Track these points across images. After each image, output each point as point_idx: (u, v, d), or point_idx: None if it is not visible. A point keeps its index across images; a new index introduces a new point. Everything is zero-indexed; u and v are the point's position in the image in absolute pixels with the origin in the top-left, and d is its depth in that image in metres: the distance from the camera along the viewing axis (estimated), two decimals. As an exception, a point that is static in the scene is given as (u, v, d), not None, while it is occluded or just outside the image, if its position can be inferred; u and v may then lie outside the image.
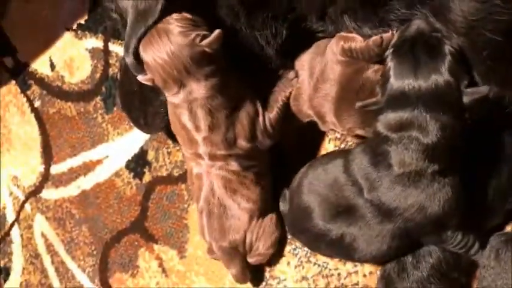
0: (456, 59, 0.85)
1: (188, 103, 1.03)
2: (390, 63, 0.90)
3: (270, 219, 1.16)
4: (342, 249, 1.02)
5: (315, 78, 1.06)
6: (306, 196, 1.05)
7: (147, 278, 1.44)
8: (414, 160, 0.87)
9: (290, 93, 1.08)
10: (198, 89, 1.01)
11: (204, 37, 0.97)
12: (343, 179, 0.99)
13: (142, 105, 1.21)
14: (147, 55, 1.00)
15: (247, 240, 1.15)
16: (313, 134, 1.19)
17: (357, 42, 0.98)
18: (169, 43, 0.97)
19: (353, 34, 0.99)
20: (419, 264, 0.98)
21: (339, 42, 1.01)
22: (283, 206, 1.16)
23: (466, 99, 0.85)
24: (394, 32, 0.93)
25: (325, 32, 1.05)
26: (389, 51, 0.91)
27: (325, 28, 1.04)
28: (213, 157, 1.07)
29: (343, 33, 1.01)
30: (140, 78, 1.04)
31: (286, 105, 1.09)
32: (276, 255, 1.22)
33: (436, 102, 0.85)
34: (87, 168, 1.54)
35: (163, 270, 1.40)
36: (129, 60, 1.03)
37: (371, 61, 0.99)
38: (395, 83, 0.88)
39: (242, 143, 1.07)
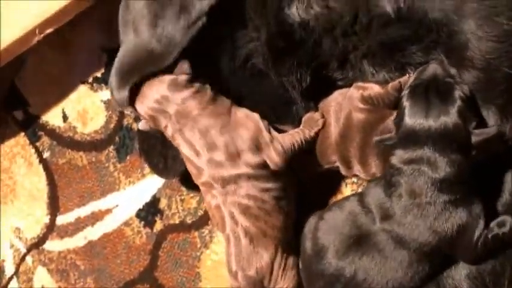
0: (466, 103, 0.91)
1: (179, 132, 1.06)
2: (405, 103, 0.95)
3: (294, 258, 1.12)
4: None
5: (341, 124, 1.08)
6: (322, 235, 1.05)
7: (155, 332, 1.37)
8: (424, 191, 0.92)
9: (316, 133, 1.10)
10: (178, 109, 1.05)
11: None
12: (357, 209, 1.02)
13: (164, 149, 1.21)
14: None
15: (274, 272, 1.10)
16: (331, 180, 1.20)
17: (375, 89, 1.03)
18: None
19: (370, 83, 1.04)
20: (445, 300, 0.97)
21: (358, 91, 1.05)
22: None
23: (474, 139, 0.90)
24: (411, 74, 0.98)
25: (344, 80, 1.09)
26: (405, 92, 0.96)
27: (344, 76, 1.08)
28: (223, 181, 1.06)
29: (360, 83, 1.06)
30: (141, 125, 1.10)
31: (308, 143, 1.09)
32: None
33: (444, 141, 0.90)
34: (95, 217, 1.50)
35: (173, 323, 1.34)
36: (124, 94, 1.04)
37: (391, 106, 1.02)
38: (409, 121, 0.93)
39: (248, 155, 1.05)
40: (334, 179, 1.19)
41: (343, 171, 1.12)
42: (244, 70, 1.05)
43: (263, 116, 1.08)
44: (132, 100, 1.08)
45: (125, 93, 1.05)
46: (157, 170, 1.25)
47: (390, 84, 1.01)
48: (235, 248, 1.10)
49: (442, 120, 0.90)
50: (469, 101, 0.92)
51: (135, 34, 1.05)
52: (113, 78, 1.09)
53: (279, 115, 1.10)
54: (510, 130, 0.89)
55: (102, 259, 1.47)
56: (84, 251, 1.50)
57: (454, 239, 0.94)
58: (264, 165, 1.07)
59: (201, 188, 1.13)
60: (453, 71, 0.91)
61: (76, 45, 1.61)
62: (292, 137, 1.07)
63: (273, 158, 1.06)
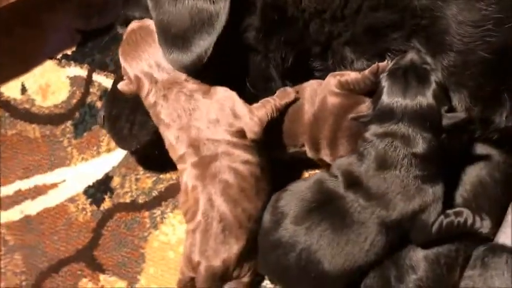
0: (440, 87, 0.97)
1: (163, 97, 1.05)
2: (384, 83, 0.99)
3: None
4: (310, 265, 0.98)
5: (315, 106, 1.11)
6: (283, 203, 1.03)
7: (82, 314, 1.25)
8: (394, 163, 0.95)
9: (286, 103, 1.10)
10: (168, 78, 1.05)
11: None
12: (325, 177, 1.03)
13: (132, 114, 1.18)
14: (126, 55, 1.08)
15: (239, 264, 1.04)
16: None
17: (351, 75, 1.08)
18: (146, 48, 1.07)
19: (346, 71, 1.10)
20: (403, 278, 0.96)
21: (335, 78, 1.10)
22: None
23: (445, 122, 0.95)
24: (389, 61, 1.04)
25: (322, 71, 1.14)
26: (384, 74, 1.01)
27: (324, 66, 1.13)
28: (202, 147, 1.03)
29: (337, 72, 1.11)
30: (121, 85, 1.09)
31: (278, 112, 1.09)
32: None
33: (418, 119, 0.94)
34: (37, 191, 1.40)
35: (106, 304, 1.24)
36: (193, 56, 1.01)
37: (366, 90, 1.07)
38: (386, 100, 0.98)
39: (226, 122, 1.04)
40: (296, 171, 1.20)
41: (310, 154, 1.13)
42: (237, 42, 1.07)
43: (243, 88, 1.09)
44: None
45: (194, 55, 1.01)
46: (120, 136, 1.20)
47: (368, 69, 1.06)
48: (202, 236, 1.04)
49: (418, 100, 0.95)
50: (443, 87, 0.97)
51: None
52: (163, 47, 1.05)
53: (257, 89, 1.11)
54: (478, 113, 0.95)
55: (36, 235, 1.35)
56: (18, 225, 1.38)
57: (414, 215, 0.95)
58: (241, 134, 1.06)
59: (178, 166, 1.09)
60: (429, 59, 0.98)
61: (50, 25, 1.59)
62: (264, 105, 1.08)
63: (250, 125, 1.05)
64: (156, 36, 1.05)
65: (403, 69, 0.98)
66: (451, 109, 0.97)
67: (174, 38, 1.01)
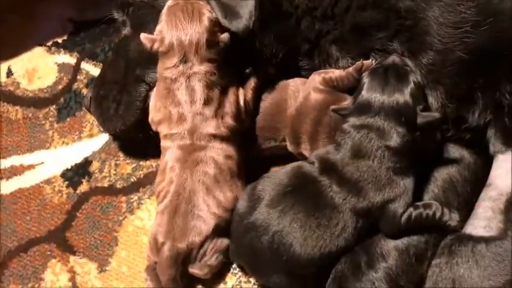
0: (418, 88, 1.02)
1: (186, 77, 1.06)
2: (365, 80, 1.05)
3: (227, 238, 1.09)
4: (282, 248, 0.99)
5: (298, 101, 1.16)
6: (260, 188, 1.05)
7: (49, 293, 1.22)
8: (368, 153, 0.99)
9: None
10: (199, 65, 1.06)
11: (222, 33, 1.07)
12: (302, 163, 1.06)
13: (119, 95, 1.20)
14: (173, 19, 1.05)
15: (204, 247, 1.06)
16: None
17: (336, 72, 1.14)
18: (198, 21, 1.05)
19: (331, 69, 1.15)
20: (373, 264, 0.98)
21: (319, 75, 1.15)
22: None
23: (419, 120, 1.00)
24: (373, 61, 1.09)
25: (308, 70, 1.19)
26: (366, 73, 1.07)
27: (310, 66, 1.18)
28: (198, 137, 1.06)
29: (321, 70, 1.16)
30: (143, 36, 1.06)
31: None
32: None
33: (394, 114, 1.00)
34: (13, 172, 1.39)
35: (74, 285, 1.20)
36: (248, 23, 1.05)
37: (348, 87, 1.12)
38: (366, 94, 1.03)
39: (229, 120, 1.09)
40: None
41: (290, 147, 1.17)
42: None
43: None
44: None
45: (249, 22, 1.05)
46: (105, 117, 1.21)
47: (353, 66, 1.11)
48: (170, 216, 1.06)
49: (395, 97, 1.00)
50: (421, 88, 1.03)
51: None
52: None
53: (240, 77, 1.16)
54: (453, 111, 1.01)
55: (8, 214, 1.33)
56: (-11, 204, 1.36)
57: (384, 204, 0.98)
58: (236, 131, 1.11)
59: (163, 142, 1.11)
60: (409, 62, 1.03)
61: (43, 14, 1.61)
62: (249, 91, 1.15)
63: (245, 124, 1.14)
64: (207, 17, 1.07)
65: (385, 68, 1.04)
66: (427, 108, 1.03)
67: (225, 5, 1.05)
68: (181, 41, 1.05)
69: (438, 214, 0.99)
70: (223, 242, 1.08)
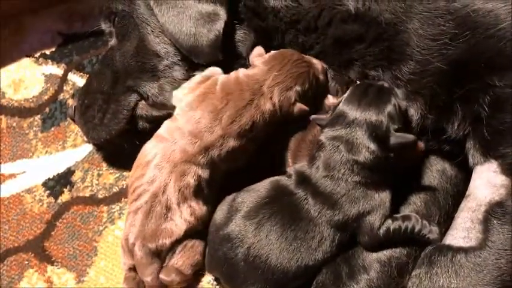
0: (397, 110, 1.01)
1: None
2: (346, 94, 1.05)
3: (200, 242, 1.08)
4: (257, 261, 0.98)
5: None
6: (239, 200, 1.04)
7: (24, 304, 1.20)
8: (337, 166, 0.99)
9: None
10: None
11: None
12: (280, 177, 1.06)
13: (105, 104, 1.20)
14: None
15: (174, 250, 1.05)
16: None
17: (330, 100, 1.15)
18: None
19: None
20: (355, 276, 0.97)
21: None
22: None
23: (393, 140, 0.98)
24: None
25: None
26: (350, 87, 1.07)
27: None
28: (204, 155, 1.06)
29: None
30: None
31: None
32: (192, 286, 1.12)
33: (365, 129, 0.98)
34: (-6, 181, 1.38)
35: (50, 295, 1.19)
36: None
37: None
38: (342, 105, 1.03)
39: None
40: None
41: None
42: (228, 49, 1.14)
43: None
44: None
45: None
46: (90, 126, 1.21)
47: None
48: (144, 217, 1.04)
49: (370, 112, 0.99)
50: (401, 112, 1.02)
51: None
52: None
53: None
54: (433, 122, 1.01)
55: (-13, 223, 1.31)
56: (-32, 213, 1.34)
57: (360, 217, 0.98)
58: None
59: (163, 132, 1.09)
60: (399, 92, 1.03)
61: (32, 28, 1.61)
62: None
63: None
64: None
65: (368, 84, 1.05)
66: (401, 130, 1.00)
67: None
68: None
69: (418, 227, 0.98)
70: (195, 247, 1.07)
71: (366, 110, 1.00)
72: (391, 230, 0.98)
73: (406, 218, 1.00)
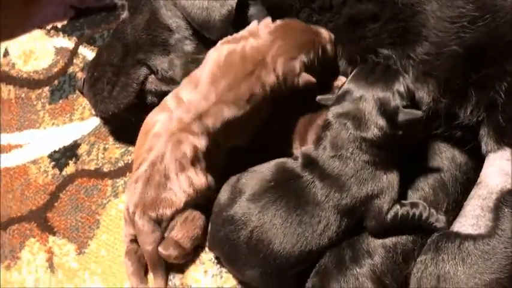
0: (405, 87, 0.98)
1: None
2: (352, 72, 1.02)
3: (200, 216, 1.06)
4: (260, 244, 0.95)
5: None
6: (243, 181, 1.02)
7: (24, 273, 1.18)
8: (345, 144, 0.96)
9: None
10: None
11: None
12: (286, 160, 1.03)
13: (114, 77, 1.18)
14: None
15: (173, 222, 1.03)
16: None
17: (342, 80, 1.11)
18: None
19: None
20: (358, 260, 0.95)
21: None
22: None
23: (401, 117, 0.95)
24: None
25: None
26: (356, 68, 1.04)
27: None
28: (199, 122, 1.03)
29: None
30: None
31: None
32: (193, 262, 1.10)
33: (374, 105, 0.95)
34: (0, 150, 1.37)
35: (51, 265, 1.17)
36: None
37: None
38: (348, 84, 1.00)
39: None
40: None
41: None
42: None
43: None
44: None
45: None
46: (98, 99, 1.19)
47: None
48: (143, 186, 1.03)
49: (378, 89, 0.96)
50: (409, 90, 0.99)
51: None
52: None
53: None
54: (445, 107, 0.99)
55: (-10, 192, 1.31)
56: (-28, 180, 1.34)
57: (368, 199, 0.95)
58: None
59: (169, 101, 1.07)
60: (408, 80, 0.99)
61: (46, 0, 1.61)
62: None
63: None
64: None
65: (375, 63, 1.02)
66: (409, 107, 0.97)
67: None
68: None
69: (425, 214, 0.96)
70: (195, 220, 1.05)
71: (373, 87, 0.97)
72: (399, 215, 0.96)
73: (414, 205, 0.97)
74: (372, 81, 0.98)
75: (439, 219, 0.97)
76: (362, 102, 0.96)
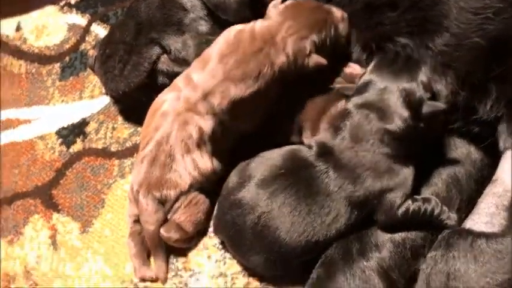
0: (427, 79, 0.95)
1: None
2: (373, 62, 0.99)
3: (204, 200, 1.05)
4: (266, 231, 0.94)
5: None
6: (253, 166, 0.99)
7: (26, 248, 1.17)
8: (366, 136, 0.93)
9: None
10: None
11: None
12: (299, 147, 1.00)
13: (126, 55, 1.16)
14: None
15: (177, 203, 1.02)
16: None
17: (357, 69, 1.08)
18: None
19: (354, 64, 1.09)
20: (366, 253, 0.92)
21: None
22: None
23: (424, 109, 0.93)
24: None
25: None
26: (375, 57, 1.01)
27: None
28: (205, 102, 1.01)
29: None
30: None
31: None
32: (197, 247, 1.09)
33: (398, 96, 0.93)
34: (8, 125, 1.35)
35: (53, 243, 1.16)
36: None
37: None
38: (369, 75, 0.97)
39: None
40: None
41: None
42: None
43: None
44: None
45: None
46: (109, 76, 1.17)
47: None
48: (148, 165, 1.01)
49: (402, 80, 0.94)
50: (430, 80, 0.96)
51: None
52: None
53: None
54: (464, 100, 0.96)
55: (-3, 166, 1.30)
56: (-22, 155, 1.33)
57: (381, 193, 0.92)
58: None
59: (180, 81, 1.05)
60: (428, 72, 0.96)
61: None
62: None
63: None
64: None
65: (396, 53, 0.99)
66: (433, 99, 0.95)
67: None
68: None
69: (437, 211, 0.93)
70: (199, 204, 1.04)
71: (397, 77, 0.94)
72: (410, 211, 0.93)
73: (426, 200, 0.94)
74: (395, 72, 0.95)
75: (450, 217, 0.94)
76: (386, 93, 0.93)
